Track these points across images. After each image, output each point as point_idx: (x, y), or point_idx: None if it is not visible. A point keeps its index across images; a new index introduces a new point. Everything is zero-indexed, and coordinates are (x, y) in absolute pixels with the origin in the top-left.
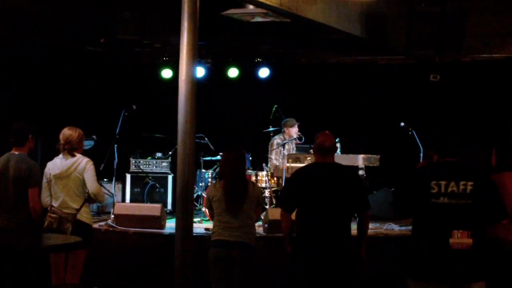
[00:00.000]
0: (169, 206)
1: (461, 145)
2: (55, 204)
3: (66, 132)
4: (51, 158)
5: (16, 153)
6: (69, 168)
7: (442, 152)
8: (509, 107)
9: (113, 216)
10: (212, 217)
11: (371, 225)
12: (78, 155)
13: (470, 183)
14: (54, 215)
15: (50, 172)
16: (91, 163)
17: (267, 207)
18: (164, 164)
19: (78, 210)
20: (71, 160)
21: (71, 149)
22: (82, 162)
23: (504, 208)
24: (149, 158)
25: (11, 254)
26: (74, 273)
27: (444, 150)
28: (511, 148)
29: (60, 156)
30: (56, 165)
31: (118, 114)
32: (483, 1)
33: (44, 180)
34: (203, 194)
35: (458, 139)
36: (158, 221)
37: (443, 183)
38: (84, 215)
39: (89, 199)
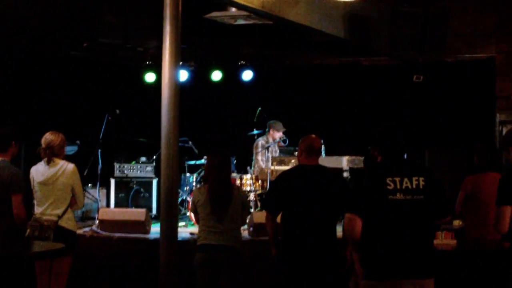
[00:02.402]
0: (154, 211)
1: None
2: (38, 210)
3: (48, 137)
4: (34, 164)
5: (0, 159)
6: (55, 175)
7: (385, 151)
8: (492, 107)
9: (97, 221)
10: (197, 222)
11: None
12: (62, 161)
13: (421, 178)
14: (35, 224)
15: (35, 179)
16: (76, 168)
17: (252, 210)
18: (149, 168)
19: (60, 216)
20: (55, 167)
21: (52, 154)
22: (68, 168)
23: (450, 205)
24: (133, 162)
25: None
26: (58, 281)
27: (387, 149)
28: (489, 149)
29: (42, 163)
30: (40, 171)
31: (101, 119)
32: (465, 2)
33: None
34: (188, 198)
35: (404, 138)
36: (143, 226)
37: (397, 179)
38: (68, 222)
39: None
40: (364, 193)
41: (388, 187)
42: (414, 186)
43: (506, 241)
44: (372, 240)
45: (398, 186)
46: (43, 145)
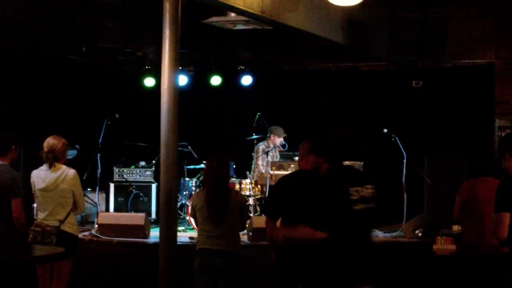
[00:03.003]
0: (153, 215)
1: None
2: (40, 216)
3: (50, 141)
4: (33, 168)
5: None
6: (56, 181)
7: (333, 159)
8: (491, 112)
9: (97, 225)
10: (197, 226)
11: None
12: (63, 167)
13: (371, 186)
14: (38, 229)
15: (36, 185)
16: (77, 174)
17: (251, 215)
18: (148, 173)
19: (62, 221)
20: (57, 172)
21: (54, 158)
22: (70, 174)
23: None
24: (133, 167)
25: None
26: (59, 285)
27: (335, 156)
28: (485, 155)
29: (44, 167)
30: (41, 177)
31: (101, 123)
32: (465, 7)
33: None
34: (187, 203)
35: (352, 146)
36: (142, 230)
37: (357, 188)
38: (69, 226)
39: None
40: (328, 203)
41: (352, 197)
42: (368, 194)
43: (505, 246)
44: (335, 250)
45: (359, 196)
46: (45, 149)
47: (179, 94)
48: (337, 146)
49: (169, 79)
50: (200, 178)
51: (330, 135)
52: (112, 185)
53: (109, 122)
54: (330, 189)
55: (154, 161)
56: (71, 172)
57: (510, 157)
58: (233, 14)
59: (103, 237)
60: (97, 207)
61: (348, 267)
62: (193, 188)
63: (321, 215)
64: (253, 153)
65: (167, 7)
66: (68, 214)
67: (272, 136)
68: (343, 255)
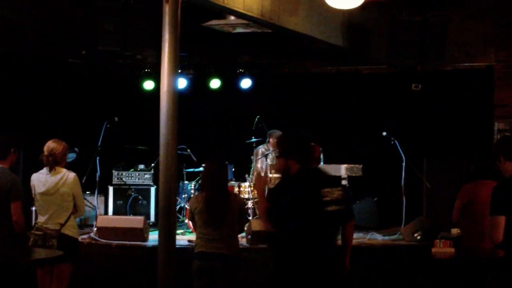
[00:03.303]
0: (152, 218)
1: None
2: (40, 219)
3: (51, 144)
4: (33, 171)
5: None
6: (56, 184)
7: (304, 160)
8: (490, 115)
9: (95, 229)
10: (195, 229)
11: (354, 235)
12: (64, 170)
13: (340, 188)
14: (38, 232)
15: (36, 189)
16: (77, 177)
17: (250, 218)
18: (147, 176)
19: (63, 224)
20: (57, 176)
21: (54, 161)
22: (70, 177)
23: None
24: (132, 170)
25: None
26: (60, 287)
27: (306, 158)
28: (485, 158)
29: (44, 171)
30: (41, 181)
31: (100, 126)
32: (464, 10)
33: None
34: (186, 206)
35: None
36: (141, 234)
37: (328, 189)
38: (70, 229)
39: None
40: (301, 204)
41: (325, 198)
42: (338, 196)
43: (500, 249)
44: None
45: (331, 198)
46: (46, 153)
47: (179, 97)
48: (307, 147)
49: (169, 82)
50: (199, 181)
51: (298, 136)
52: (111, 188)
53: (108, 125)
54: (302, 190)
55: (153, 164)
56: (72, 175)
57: (505, 160)
58: (232, 17)
59: (102, 240)
60: (96, 210)
61: (311, 266)
62: (192, 191)
63: (293, 216)
64: (252, 156)
65: (166, 10)
66: (69, 218)
67: (271, 140)
68: (308, 254)
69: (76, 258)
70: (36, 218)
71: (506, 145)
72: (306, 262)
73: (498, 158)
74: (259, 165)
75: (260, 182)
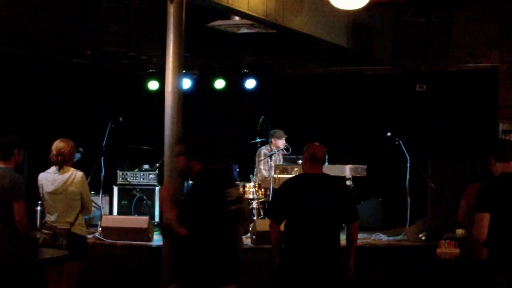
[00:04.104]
0: (157, 218)
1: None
2: (49, 219)
3: (59, 144)
4: (37, 172)
5: (2, 166)
6: (65, 183)
7: (207, 161)
8: (495, 116)
9: (100, 228)
10: None
11: (359, 235)
12: (72, 169)
13: (237, 187)
14: (48, 231)
15: (44, 188)
16: (84, 176)
17: (254, 218)
18: (151, 176)
19: (72, 223)
20: (65, 175)
21: (63, 161)
22: (78, 176)
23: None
24: (136, 170)
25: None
26: (69, 285)
27: (209, 158)
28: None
29: (52, 170)
30: (49, 180)
31: (104, 126)
32: (468, 11)
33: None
34: None
35: (220, 147)
36: (145, 234)
37: (231, 190)
38: (79, 228)
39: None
40: (204, 204)
41: (229, 198)
42: (238, 195)
43: (485, 247)
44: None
45: (234, 197)
46: (54, 152)
47: (183, 97)
48: (210, 148)
49: (173, 83)
50: None
51: (202, 137)
52: (115, 188)
53: (113, 125)
54: (207, 190)
55: (157, 164)
56: (79, 174)
57: (495, 161)
58: (237, 18)
59: (107, 240)
60: (100, 210)
61: (214, 266)
62: None
63: (196, 215)
64: (256, 157)
65: (171, 10)
66: (77, 216)
67: (273, 140)
68: (211, 254)
69: (85, 257)
70: (42, 218)
71: (495, 147)
72: (214, 262)
73: (488, 160)
74: (262, 166)
75: (165, 190)
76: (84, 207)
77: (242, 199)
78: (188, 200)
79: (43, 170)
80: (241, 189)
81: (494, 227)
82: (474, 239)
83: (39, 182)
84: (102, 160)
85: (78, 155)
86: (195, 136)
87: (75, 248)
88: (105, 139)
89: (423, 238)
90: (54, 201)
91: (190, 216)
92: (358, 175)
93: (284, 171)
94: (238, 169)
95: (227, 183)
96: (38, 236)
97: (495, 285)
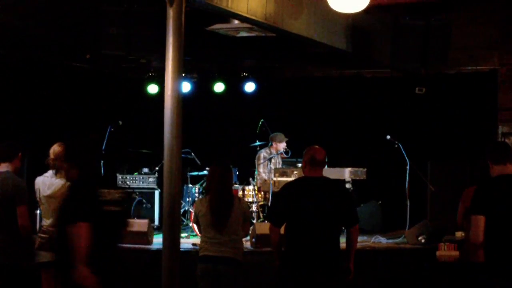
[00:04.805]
0: (157, 222)
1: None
2: (46, 222)
3: (56, 148)
4: (37, 175)
5: (4, 170)
6: (62, 187)
7: (83, 163)
8: (494, 119)
9: None
10: (200, 233)
11: (358, 238)
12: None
13: (120, 191)
14: (44, 235)
15: (41, 192)
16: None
17: (254, 221)
18: (151, 179)
19: None
20: (62, 179)
21: (60, 165)
22: None
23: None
24: (136, 173)
25: (1, 272)
26: None
27: (85, 161)
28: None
29: (49, 174)
30: (46, 184)
31: (104, 130)
32: (468, 14)
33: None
34: (190, 209)
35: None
36: (145, 237)
37: (106, 190)
38: None
39: None
40: (81, 202)
41: (103, 198)
42: (117, 198)
43: (481, 249)
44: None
45: (109, 198)
46: (52, 156)
47: (183, 101)
48: (85, 151)
49: (173, 86)
50: (203, 185)
51: (81, 141)
52: None
53: (112, 129)
54: (82, 190)
55: (157, 168)
56: None
57: (492, 165)
58: (236, 21)
59: None
60: None
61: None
62: (196, 195)
63: (83, 215)
64: (256, 160)
65: (170, 14)
66: None
67: (274, 143)
68: (99, 251)
69: None
70: (41, 221)
71: (492, 151)
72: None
73: (486, 163)
74: (261, 170)
75: None
76: None
77: (120, 202)
78: (66, 199)
79: (42, 174)
80: (241, 192)
81: (490, 230)
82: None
83: (36, 186)
84: (101, 164)
85: None
86: (74, 140)
87: None
88: (105, 142)
89: (423, 240)
90: (50, 204)
91: (68, 213)
92: (357, 178)
93: (283, 174)
94: (237, 172)
95: (102, 185)
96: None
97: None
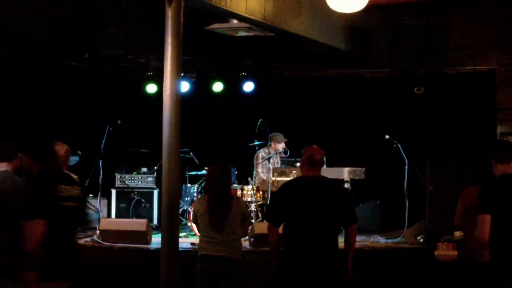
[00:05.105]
0: (155, 221)
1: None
2: None
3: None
4: None
5: (3, 169)
6: None
7: (41, 159)
8: (493, 118)
9: (98, 231)
10: (198, 232)
11: (357, 238)
12: (65, 172)
13: (78, 188)
14: None
15: None
16: (78, 180)
17: (253, 221)
18: (150, 179)
19: None
20: None
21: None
22: None
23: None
24: (135, 173)
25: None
26: None
27: (43, 158)
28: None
29: None
30: None
31: (103, 129)
32: (467, 14)
33: None
34: (189, 209)
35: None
36: (144, 236)
37: (65, 187)
38: None
39: None
40: (39, 197)
41: (61, 194)
42: (75, 194)
43: (486, 249)
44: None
45: (67, 194)
46: None
47: (181, 100)
48: (44, 147)
49: (171, 86)
50: (202, 184)
51: (39, 137)
52: (114, 191)
53: (111, 128)
54: (40, 185)
55: (156, 167)
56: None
57: (496, 163)
58: (235, 21)
59: (105, 243)
60: (99, 213)
61: (46, 260)
62: (195, 194)
63: (31, 207)
64: (254, 160)
65: (169, 14)
66: None
67: (273, 143)
68: (49, 248)
69: None
70: None
71: (495, 149)
72: (46, 255)
73: (489, 162)
74: (260, 169)
75: None
76: None
77: (78, 199)
78: (23, 194)
79: None
80: (239, 192)
81: (495, 229)
82: (471, 241)
83: None
84: (100, 163)
85: (76, 158)
86: (33, 136)
87: None
88: (103, 142)
89: (421, 240)
90: None
91: (23, 208)
92: (356, 178)
93: (282, 174)
94: (236, 172)
95: (61, 181)
96: None
97: (497, 287)
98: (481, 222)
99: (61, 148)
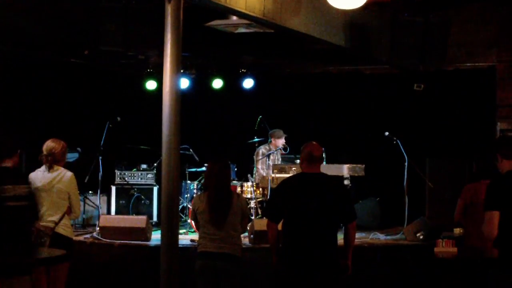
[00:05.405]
0: (155, 218)
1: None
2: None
3: (50, 144)
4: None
5: (3, 166)
6: (52, 181)
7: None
8: (493, 115)
9: (98, 228)
10: (198, 229)
11: (356, 235)
12: (61, 168)
13: (25, 186)
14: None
15: (32, 185)
16: (74, 177)
17: (252, 218)
18: (149, 175)
19: (57, 223)
20: (54, 173)
21: (53, 161)
22: (67, 175)
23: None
24: (134, 170)
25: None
26: (56, 287)
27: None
28: (486, 158)
29: (42, 168)
30: (38, 177)
31: (102, 126)
32: (467, 11)
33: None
34: (189, 206)
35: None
36: (143, 233)
37: (10, 186)
38: (64, 228)
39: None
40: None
41: (6, 194)
42: (21, 193)
43: (495, 247)
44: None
45: (13, 194)
46: (45, 152)
47: (181, 97)
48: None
49: (171, 82)
50: (202, 181)
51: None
52: (113, 188)
53: (110, 125)
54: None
55: (155, 164)
56: (68, 174)
57: (502, 158)
58: (235, 18)
59: (105, 239)
60: (98, 210)
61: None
62: (195, 191)
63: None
64: (254, 156)
65: (168, 10)
66: (62, 216)
67: (273, 140)
68: None
69: (71, 258)
70: None
71: (503, 144)
72: None
73: (495, 157)
74: (259, 166)
75: None
76: (72, 209)
77: (24, 197)
78: None
79: None
80: (239, 189)
81: (503, 225)
82: (474, 237)
83: (29, 181)
84: (100, 160)
85: (76, 155)
86: None
87: (59, 248)
88: (103, 138)
89: (421, 237)
90: (39, 198)
91: None
92: (356, 175)
93: (282, 170)
94: (236, 169)
95: (7, 181)
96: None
97: (506, 284)
98: (489, 218)
99: (57, 145)
